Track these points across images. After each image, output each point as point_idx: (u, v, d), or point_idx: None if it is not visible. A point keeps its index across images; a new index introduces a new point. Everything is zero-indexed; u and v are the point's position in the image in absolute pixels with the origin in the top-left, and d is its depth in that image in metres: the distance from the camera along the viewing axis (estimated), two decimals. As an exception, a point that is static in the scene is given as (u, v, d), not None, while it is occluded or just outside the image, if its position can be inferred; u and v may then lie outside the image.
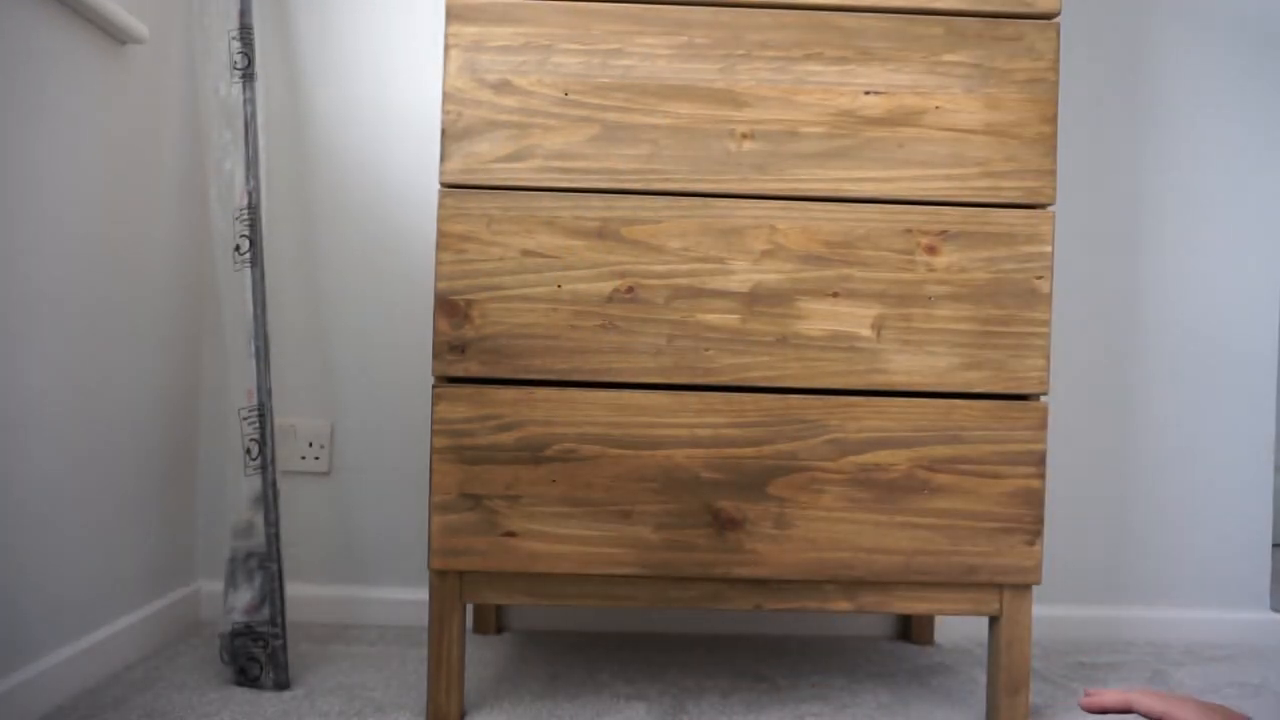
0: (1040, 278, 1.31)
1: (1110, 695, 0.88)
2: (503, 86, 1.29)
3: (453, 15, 1.29)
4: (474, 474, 1.28)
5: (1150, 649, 1.81)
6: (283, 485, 1.76)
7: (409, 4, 1.84)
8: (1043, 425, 1.31)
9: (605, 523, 1.29)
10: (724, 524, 1.29)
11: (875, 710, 1.43)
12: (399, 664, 1.57)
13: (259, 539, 1.45)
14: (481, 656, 1.63)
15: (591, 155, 1.30)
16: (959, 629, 1.84)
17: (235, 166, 1.51)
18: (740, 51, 1.30)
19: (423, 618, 1.80)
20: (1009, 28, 1.31)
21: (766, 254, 1.30)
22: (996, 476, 1.30)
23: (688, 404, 1.29)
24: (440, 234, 1.29)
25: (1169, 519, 1.89)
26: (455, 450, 1.28)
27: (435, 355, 1.29)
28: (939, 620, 1.84)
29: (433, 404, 1.29)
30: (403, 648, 1.66)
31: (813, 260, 1.30)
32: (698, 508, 1.29)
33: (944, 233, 1.31)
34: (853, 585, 1.32)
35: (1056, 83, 1.32)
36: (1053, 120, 1.32)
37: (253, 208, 1.49)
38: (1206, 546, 1.90)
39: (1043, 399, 1.34)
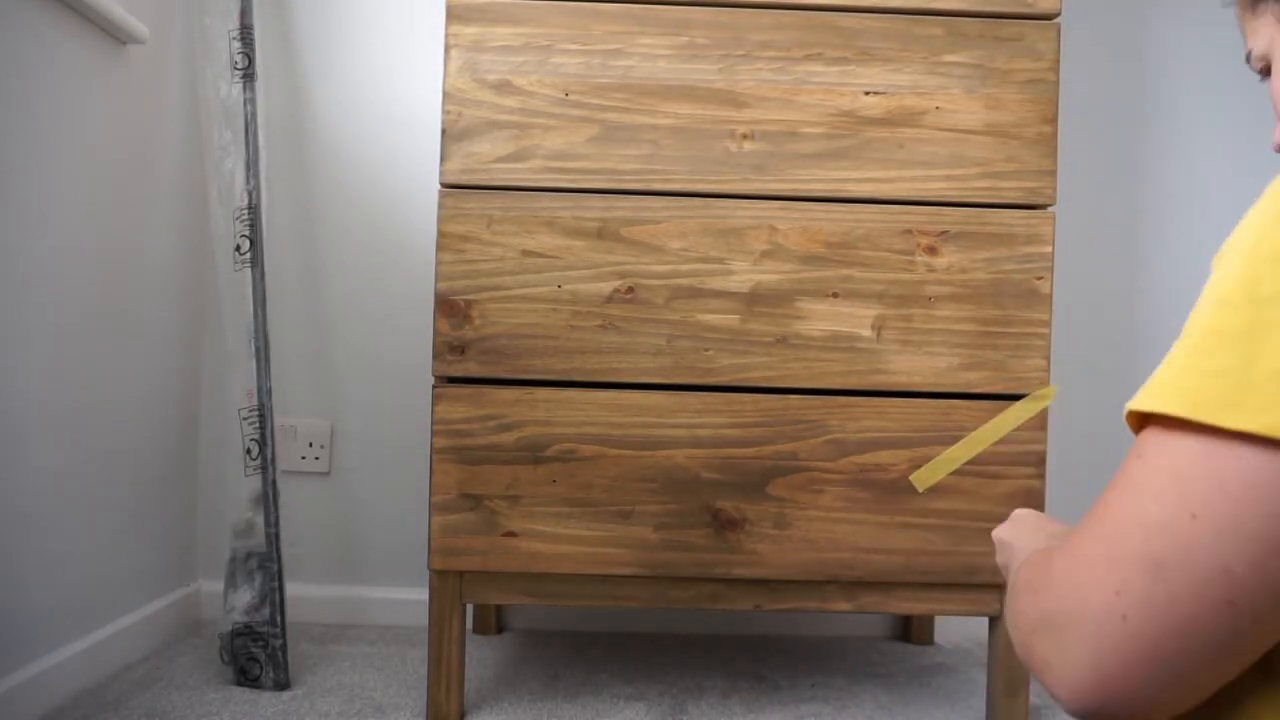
0: (1040, 278, 1.31)
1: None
2: (503, 86, 1.29)
3: (453, 15, 1.29)
4: (474, 474, 1.28)
5: (1150, 649, 1.81)
6: (283, 485, 1.76)
7: (409, 4, 1.83)
8: (1043, 425, 1.31)
9: (605, 523, 1.29)
10: (724, 524, 1.29)
11: (875, 710, 1.43)
12: (399, 664, 1.57)
13: (259, 539, 1.45)
14: (481, 656, 1.63)
15: (591, 155, 1.30)
16: (959, 629, 1.84)
17: (235, 166, 1.51)
18: (740, 52, 1.30)
19: (423, 618, 1.80)
20: (1009, 28, 1.31)
21: (766, 254, 1.30)
22: (996, 477, 1.30)
23: (688, 404, 1.29)
24: (440, 234, 1.29)
25: (1169, 519, 1.89)
26: (455, 450, 1.28)
27: (435, 355, 1.29)
28: (939, 620, 1.83)
29: (433, 404, 1.29)
30: (403, 648, 1.66)
31: (813, 260, 1.30)
32: (698, 508, 1.29)
33: (944, 233, 1.31)
34: (853, 585, 1.32)
35: (1057, 83, 1.32)
36: (1053, 120, 1.32)
37: (253, 208, 1.49)
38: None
39: (1043, 399, 1.34)
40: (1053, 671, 0.50)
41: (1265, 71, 0.69)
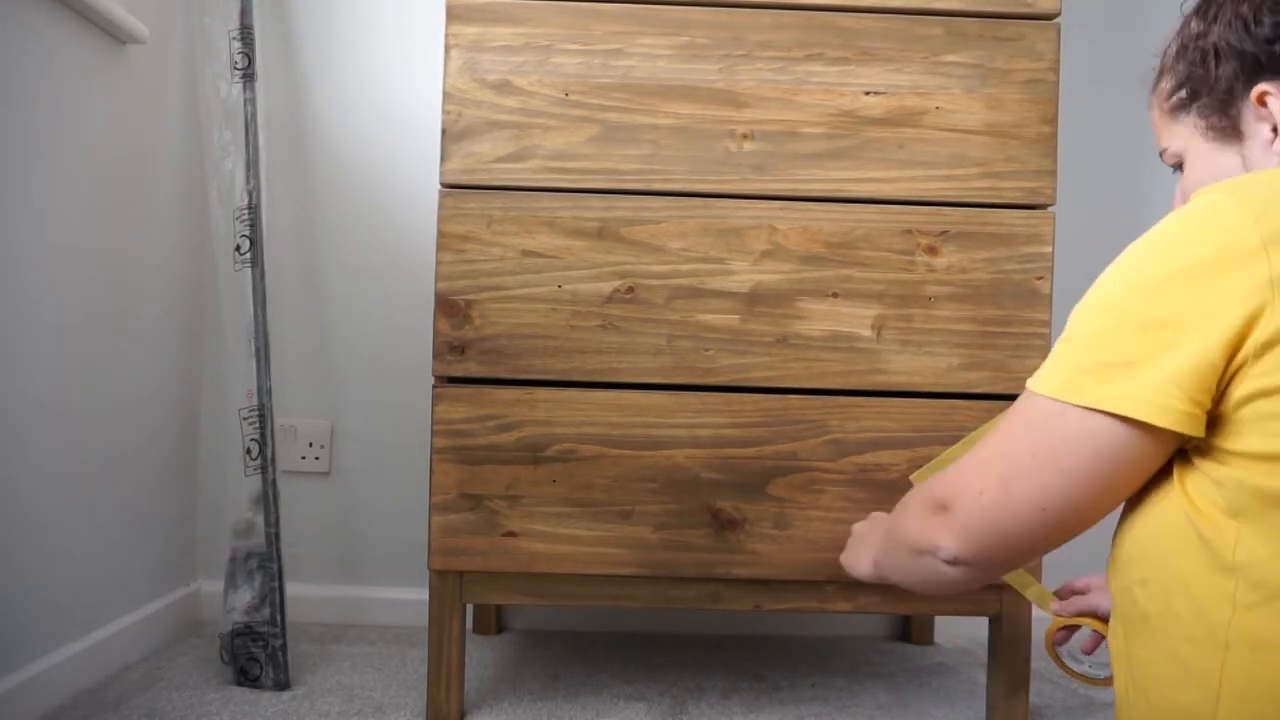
0: (1040, 278, 1.31)
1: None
2: (503, 86, 1.29)
3: (453, 15, 1.29)
4: (474, 474, 1.28)
5: (1150, 649, 1.81)
6: (283, 485, 1.76)
7: (409, 4, 1.83)
8: (1043, 425, 1.30)
9: (605, 523, 1.29)
10: (724, 524, 1.29)
11: (875, 710, 1.43)
12: (399, 664, 1.57)
13: (259, 539, 1.45)
14: (481, 656, 1.63)
15: (592, 155, 1.30)
16: (959, 629, 1.84)
17: (235, 166, 1.51)
18: (741, 52, 1.30)
19: (423, 618, 1.80)
20: (1009, 28, 1.31)
21: (766, 254, 1.30)
22: (996, 477, 1.30)
23: (688, 404, 1.29)
24: (440, 234, 1.29)
25: (1169, 519, 1.89)
26: (455, 450, 1.28)
27: (435, 355, 1.29)
28: (939, 620, 1.83)
29: (433, 404, 1.29)
30: (403, 648, 1.66)
31: (813, 260, 1.30)
32: (698, 508, 1.29)
33: (944, 233, 1.31)
34: (853, 585, 1.32)
35: (1057, 83, 1.32)
36: (1053, 120, 1.32)
37: (253, 208, 1.49)
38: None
39: (1043, 399, 1.34)
40: (939, 541, 0.82)
41: (1178, 167, 0.89)
